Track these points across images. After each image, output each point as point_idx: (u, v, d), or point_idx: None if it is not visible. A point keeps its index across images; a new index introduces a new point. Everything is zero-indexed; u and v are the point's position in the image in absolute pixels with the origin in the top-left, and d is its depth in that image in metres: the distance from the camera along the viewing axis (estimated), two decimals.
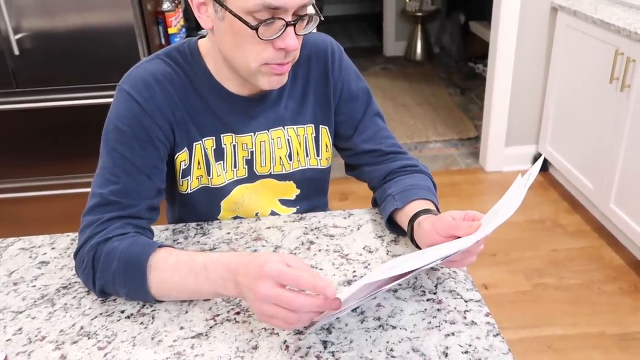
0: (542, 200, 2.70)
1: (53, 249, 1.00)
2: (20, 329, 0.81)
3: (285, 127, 1.03)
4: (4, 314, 0.84)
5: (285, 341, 0.76)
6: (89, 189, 0.92)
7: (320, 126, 1.06)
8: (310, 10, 0.88)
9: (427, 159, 3.14)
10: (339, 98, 1.06)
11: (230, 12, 0.82)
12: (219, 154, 1.01)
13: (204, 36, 0.99)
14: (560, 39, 2.62)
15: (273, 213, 1.09)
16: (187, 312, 0.83)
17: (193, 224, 1.06)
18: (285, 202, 1.10)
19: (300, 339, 0.76)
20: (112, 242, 0.85)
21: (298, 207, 1.11)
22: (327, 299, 0.68)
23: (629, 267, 2.21)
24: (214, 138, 0.99)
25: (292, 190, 1.09)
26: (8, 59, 2.03)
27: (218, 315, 0.82)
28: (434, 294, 0.85)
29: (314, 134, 1.06)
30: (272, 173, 1.05)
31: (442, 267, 0.90)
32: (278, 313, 0.69)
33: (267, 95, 1.00)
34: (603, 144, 2.31)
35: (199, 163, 1.00)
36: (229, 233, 1.02)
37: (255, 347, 0.75)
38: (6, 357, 0.76)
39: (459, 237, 0.79)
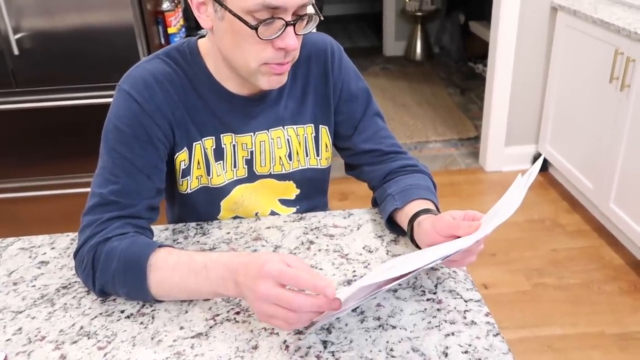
0: (541, 200, 2.71)
1: (53, 248, 1.00)
2: (20, 328, 0.81)
3: (285, 127, 1.03)
4: (4, 314, 0.84)
5: (285, 341, 0.76)
6: (88, 189, 0.92)
7: (320, 126, 1.06)
8: (310, 10, 0.88)
9: (426, 159, 3.14)
10: (339, 98, 1.06)
11: (230, 11, 0.82)
12: (219, 154, 1.01)
13: (203, 36, 0.99)
14: (560, 39, 2.62)
15: (273, 213, 1.09)
16: (187, 312, 0.83)
17: (193, 224, 1.06)
18: (285, 202, 1.10)
19: (300, 339, 0.76)
20: (111, 242, 0.85)
21: (298, 207, 1.11)
22: (327, 298, 0.68)
23: (629, 266, 2.21)
24: (213, 138, 0.99)
25: (291, 190, 1.09)
26: (8, 59, 2.03)
27: (218, 315, 0.82)
28: (434, 293, 0.85)
29: (314, 134, 1.06)
30: (272, 173, 1.05)
31: (442, 267, 0.90)
32: (278, 313, 0.69)
33: (266, 95, 1.00)
34: (603, 143, 2.31)
35: (198, 163, 1.00)
36: (228, 233, 1.02)
37: (255, 347, 0.75)
38: (6, 357, 0.76)
39: (458, 237, 0.79)
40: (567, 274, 2.20)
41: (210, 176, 1.01)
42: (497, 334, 0.76)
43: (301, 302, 0.68)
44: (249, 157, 1.03)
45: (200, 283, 0.79)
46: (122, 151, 0.90)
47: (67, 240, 1.02)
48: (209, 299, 0.84)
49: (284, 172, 1.06)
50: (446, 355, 0.73)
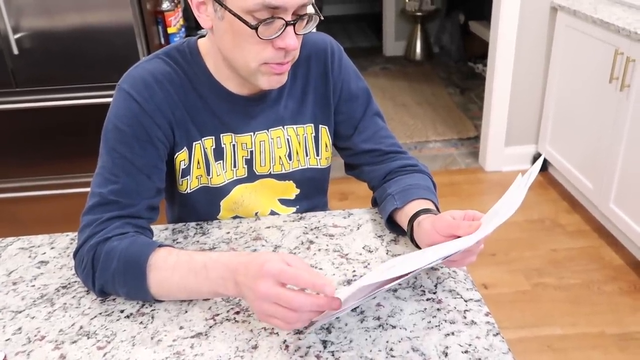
0: (541, 200, 2.71)
1: (52, 248, 1.00)
2: (19, 328, 0.81)
3: (285, 127, 1.03)
4: (3, 314, 0.84)
5: (285, 341, 0.76)
6: (88, 189, 0.92)
7: (320, 126, 1.06)
8: (310, 9, 0.88)
9: (426, 159, 3.14)
10: (339, 98, 1.06)
11: (230, 11, 0.82)
12: (219, 154, 1.01)
13: (203, 36, 0.99)
14: (560, 39, 2.62)
15: (273, 213, 1.09)
16: (186, 311, 0.82)
17: (193, 224, 1.05)
18: (284, 202, 1.10)
19: (300, 339, 0.76)
20: (111, 241, 0.85)
21: (298, 206, 1.11)
22: (327, 298, 0.68)
23: (629, 267, 2.21)
24: (213, 138, 0.99)
25: (291, 190, 1.09)
26: (7, 59, 2.03)
27: (218, 314, 0.82)
28: (434, 293, 0.85)
29: (314, 134, 1.06)
30: (272, 173, 1.05)
31: (442, 267, 0.90)
32: (278, 312, 0.69)
33: (266, 94, 1.00)
34: (603, 143, 2.31)
35: (198, 163, 1.00)
36: (228, 233, 1.02)
37: (255, 347, 0.75)
38: (5, 356, 0.76)
39: (459, 237, 0.79)
40: (567, 274, 2.20)
41: (210, 176, 1.01)
42: (497, 334, 0.76)
43: (301, 301, 0.68)
44: (248, 157, 1.03)
45: (200, 283, 0.79)
46: (122, 151, 0.90)
47: (66, 240, 1.02)
48: (209, 299, 0.84)
49: (283, 171, 1.06)
50: (446, 355, 0.73)
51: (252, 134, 1.01)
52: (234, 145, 1.01)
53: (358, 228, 1.02)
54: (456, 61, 4.73)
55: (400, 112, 3.79)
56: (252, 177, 1.04)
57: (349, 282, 0.87)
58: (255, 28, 0.82)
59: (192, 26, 2.44)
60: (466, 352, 0.73)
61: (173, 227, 1.05)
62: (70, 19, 1.99)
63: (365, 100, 1.08)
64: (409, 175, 1.03)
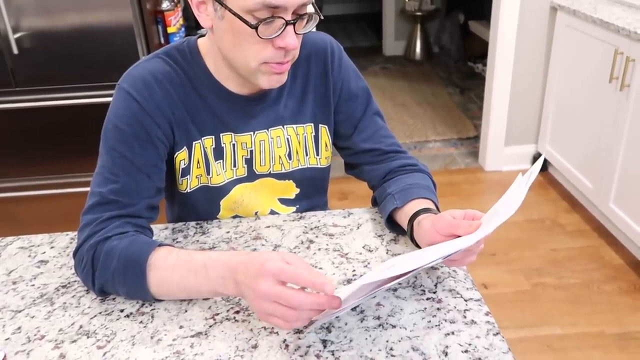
0: (541, 200, 2.71)
1: (52, 248, 1.00)
2: (19, 328, 0.81)
3: (285, 126, 1.03)
4: (3, 313, 0.84)
5: (285, 340, 0.76)
6: (88, 188, 0.92)
7: (320, 125, 1.06)
8: (310, 9, 0.88)
9: (426, 159, 3.14)
10: (339, 97, 1.06)
11: (230, 10, 0.82)
12: (219, 153, 1.01)
13: (203, 35, 0.99)
14: (560, 39, 2.62)
15: (272, 212, 1.09)
16: (186, 311, 0.82)
17: (192, 223, 1.05)
18: (284, 201, 1.10)
19: (300, 338, 0.76)
20: (111, 241, 0.84)
21: (297, 206, 1.11)
22: (327, 296, 0.68)
23: (629, 266, 2.21)
24: (213, 137, 0.99)
25: (291, 190, 1.09)
26: (7, 58, 2.03)
27: (217, 314, 0.81)
28: (434, 293, 0.85)
29: (314, 133, 1.06)
30: (272, 172, 1.05)
31: (442, 266, 0.90)
32: (278, 311, 0.69)
33: (266, 94, 1.00)
34: (602, 143, 2.31)
35: (198, 162, 1.00)
36: (228, 232, 1.02)
37: (255, 346, 0.75)
38: (5, 356, 0.76)
39: (459, 236, 0.78)
40: (566, 273, 2.20)
41: (210, 175, 1.01)
42: (497, 333, 0.76)
43: (301, 300, 0.68)
44: (248, 157, 1.03)
45: (199, 282, 0.79)
46: (121, 150, 0.90)
47: (66, 240, 1.02)
48: (209, 298, 0.84)
49: (283, 171, 1.06)
50: (446, 354, 0.73)
51: (252, 133, 1.01)
52: (233, 145, 1.01)
53: (358, 227, 1.02)
54: (456, 61, 4.73)
55: (399, 111, 3.79)
56: (252, 176, 1.04)
57: (348, 281, 0.87)
58: (255, 27, 0.82)
59: (192, 26, 2.44)
60: (466, 351, 0.73)
61: (173, 227, 1.05)
62: (70, 19, 1.99)
63: (365, 100, 1.08)
64: (408, 174, 1.03)
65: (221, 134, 1.00)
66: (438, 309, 0.81)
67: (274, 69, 0.88)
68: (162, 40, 2.21)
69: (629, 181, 2.17)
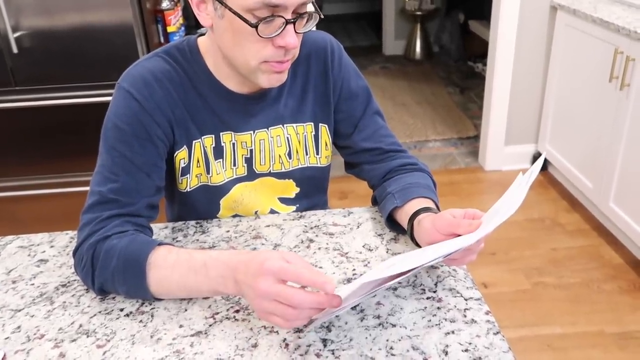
0: (541, 199, 2.70)
1: (52, 247, 1.00)
2: (19, 327, 0.81)
3: (285, 125, 1.03)
4: (3, 312, 0.84)
5: (285, 339, 0.76)
6: (88, 188, 0.92)
7: (320, 124, 1.06)
8: (310, 8, 0.87)
9: (426, 158, 3.14)
10: (339, 96, 1.06)
11: (230, 9, 0.82)
12: (219, 152, 1.00)
13: (203, 34, 0.99)
14: (560, 38, 2.62)
15: (272, 211, 1.09)
16: (186, 310, 0.82)
17: (192, 222, 1.05)
18: (284, 201, 1.10)
19: (300, 337, 0.76)
20: (111, 239, 0.84)
21: (297, 205, 1.11)
22: (327, 295, 0.68)
23: (628, 265, 2.21)
24: (213, 136, 0.99)
25: (291, 189, 1.09)
26: (7, 58, 2.03)
27: (217, 313, 0.81)
28: (434, 292, 0.85)
29: (314, 132, 1.06)
30: (272, 171, 1.05)
31: (442, 265, 0.90)
32: (278, 309, 0.69)
33: (266, 93, 1.00)
34: (602, 143, 2.31)
35: (198, 161, 1.00)
36: (228, 231, 1.02)
37: (255, 345, 0.75)
38: (5, 355, 0.75)
39: (459, 236, 0.78)
40: (566, 273, 2.20)
41: (210, 174, 1.01)
42: (498, 333, 0.76)
43: (302, 298, 0.68)
44: (248, 156, 1.02)
45: (199, 281, 0.79)
46: (121, 149, 0.90)
47: (66, 239, 1.02)
48: (209, 297, 0.84)
49: (283, 170, 1.06)
50: (446, 353, 0.73)
51: (252, 132, 1.01)
52: (233, 144, 1.01)
53: (358, 226, 1.02)
54: (456, 60, 4.73)
55: (399, 111, 3.79)
56: (252, 175, 1.04)
57: (348, 280, 0.87)
58: (256, 26, 0.82)
59: (191, 25, 2.44)
60: (466, 350, 0.73)
61: (173, 226, 1.05)
62: (70, 18, 1.99)
63: (365, 99, 1.07)
64: (409, 173, 1.03)
65: (221, 133, 0.99)
66: (438, 308, 0.81)
67: (274, 67, 0.88)
68: (162, 40, 2.21)
69: (629, 181, 2.17)
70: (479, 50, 4.27)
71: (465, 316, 0.79)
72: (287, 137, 1.04)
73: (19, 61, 2.04)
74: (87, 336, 0.78)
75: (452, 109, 3.79)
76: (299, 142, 1.05)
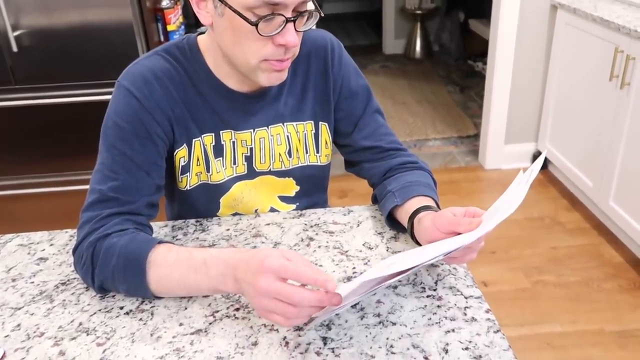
0: (541, 198, 2.71)
1: (52, 245, 1.00)
2: (18, 325, 0.81)
3: (285, 124, 1.03)
4: (3, 310, 0.84)
5: (285, 337, 0.76)
6: (87, 186, 0.92)
7: (320, 123, 1.06)
8: (310, 6, 0.87)
9: (426, 157, 3.14)
10: (339, 95, 1.06)
11: (230, 8, 0.82)
12: (218, 151, 1.00)
13: (203, 33, 0.99)
14: (560, 37, 2.62)
15: (272, 210, 1.09)
16: (186, 308, 0.82)
17: (192, 221, 1.05)
18: (284, 199, 1.10)
19: (300, 335, 0.76)
20: (111, 238, 0.84)
21: (297, 203, 1.11)
22: (327, 293, 0.68)
23: (628, 264, 2.21)
24: (213, 134, 0.99)
25: (291, 187, 1.09)
26: (6, 56, 2.03)
27: (217, 311, 0.81)
28: (434, 290, 0.85)
29: (314, 131, 1.06)
30: (272, 170, 1.05)
31: (442, 264, 0.90)
32: (278, 307, 0.69)
33: (266, 91, 1.00)
34: (602, 141, 2.31)
35: (198, 159, 1.00)
36: (228, 229, 1.02)
37: (255, 344, 0.75)
38: (4, 353, 0.75)
39: (459, 234, 0.78)
40: (566, 271, 2.20)
41: (210, 173, 1.01)
42: (498, 331, 0.76)
43: (302, 296, 0.67)
44: (248, 154, 1.02)
45: (199, 279, 0.79)
46: (121, 148, 0.90)
47: (66, 237, 1.02)
48: (209, 296, 0.84)
49: (283, 169, 1.06)
50: (446, 351, 0.73)
51: (251, 130, 1.01)
52: (233, 142, 1.01)
53: (358, 225, 1.02)
54: (456, 59, 4.73)
55: (399, 110, 3.79)
56: (251, 174, 1.04)
57: (349, 279, 0.87)
58: (256, 25, 0.82)
59: (191, 23, 2.44)
60: (466, 348, 0.73)
61: (173, 224, 1.05)
62: (70, 17, 1.99)
63: (365, 98, 1.07)
64: (409, 172, 1.03)
65: (221, 132, 0.99)
66: (438, 306, 0.81)
67: (274, 66, 0.88)
68: (162, 38, 2.21)
69: (629, 179, 2.17)
70: (479, 49, 4.27)
71: (465, 314, 0.79)
72: (287, 136, 1.04)
73: (19, 60, 2.04)
74: (87, 334, 0.78)
75: (452, 108, 3.79)
76: (299, 140, 1.05)
